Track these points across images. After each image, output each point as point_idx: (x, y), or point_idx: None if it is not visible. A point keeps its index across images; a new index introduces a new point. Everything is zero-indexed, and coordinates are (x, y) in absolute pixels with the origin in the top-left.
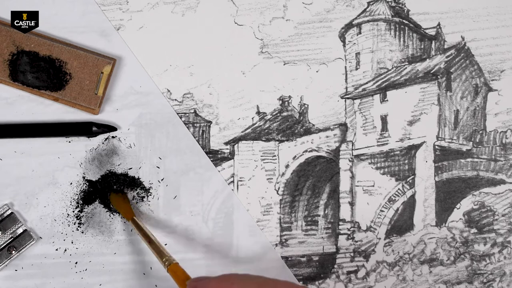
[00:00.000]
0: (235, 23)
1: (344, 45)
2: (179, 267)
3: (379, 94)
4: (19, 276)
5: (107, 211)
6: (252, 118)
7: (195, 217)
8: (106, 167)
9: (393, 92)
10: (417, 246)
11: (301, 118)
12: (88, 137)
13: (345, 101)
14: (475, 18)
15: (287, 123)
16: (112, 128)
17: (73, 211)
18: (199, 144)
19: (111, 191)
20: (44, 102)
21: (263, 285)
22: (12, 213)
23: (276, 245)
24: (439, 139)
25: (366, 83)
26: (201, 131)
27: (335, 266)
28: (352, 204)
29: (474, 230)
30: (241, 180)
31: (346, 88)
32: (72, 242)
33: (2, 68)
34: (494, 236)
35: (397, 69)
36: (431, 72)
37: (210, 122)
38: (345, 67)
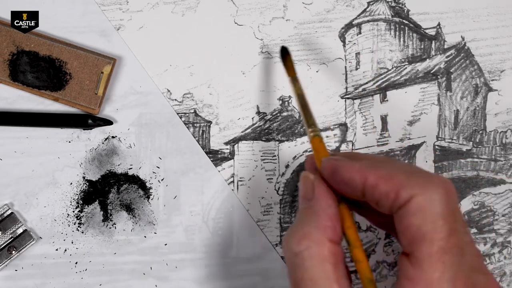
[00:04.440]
0: (235, 23)
1: (344, 45)
2: (322, 143)
3: (379, 94)
4: (19, 276)
5: (103, 213)
6: (252, 118)
7: (195, 217)
8: (106, 167)
9: (393, 92)
10: None
11: (301, 118)
12: (84, 129)
13: (345, 101)
14: (475, 18)
15: (287, 123)
16: (108, 122)
17: (73, 211)
18: (199, 144)
19: (285, 49)
20: (44, 102)
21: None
22: (12, 213)
23: (276, 245)
24: (439, 139)
25: (366, 83)
26: (201, 131)
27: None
28: None
29: (474, 230)
30: (241, 180)
31: (346, 88)
32: (72, 242)
33: (2, 68)
34: (494, 236)
35: (397, 69)
36: (431, 72)
37: (210, 122)
38: (345, 67)
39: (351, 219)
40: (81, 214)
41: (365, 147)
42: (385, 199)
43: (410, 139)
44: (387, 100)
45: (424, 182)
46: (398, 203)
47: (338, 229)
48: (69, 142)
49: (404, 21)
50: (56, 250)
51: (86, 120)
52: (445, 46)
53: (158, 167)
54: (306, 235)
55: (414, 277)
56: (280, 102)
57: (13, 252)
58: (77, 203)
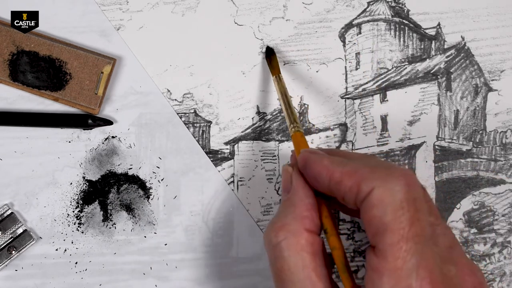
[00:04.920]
0: (235, 23)
1: (344, 45)
2: (303, 138)
3: (379, 94)
4: (19, 276)
5: (103, 213)
6: (252, 118)
7: (195, 217)
8: (106, 167)
9: (393, 92)
10: None
11: (301, 118)
12: (84, 129)
13: (345, 101)
14: (475, 18)
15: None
16: (108, 122)
17: (73, 211)
18: (199, 144)
19: (270, 50)
20: (44, 102)
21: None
22: (12, 213)
23: None
24: (439, 139)
25: (366, 83)
26: (201, 131)
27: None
28: None
29: (474, 230)
30: (241, 180)
31: (346, 88)
32: (72, 242)
33: (2, 68)
34: (494, 236)
35: (397, 69)
36: (431, 72)
37: (210, 122)
38: (345, 67)
39: (328, 209)
40: (81, 214)
41: (365, 147)
42: (348, 193)
43: (410, 139)
44: (387, 100)
45: (385, 174)
46: (361, 197)
47: (315, 219)
48: (69, 142)
49: (404, 21)
50: (56, 250)
51: (86, 120)
52: (445, 46)
53: (158, 167)
54: (283, 226)
55: (379, 268)
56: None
57: (13, 252)
58: (77, 203)
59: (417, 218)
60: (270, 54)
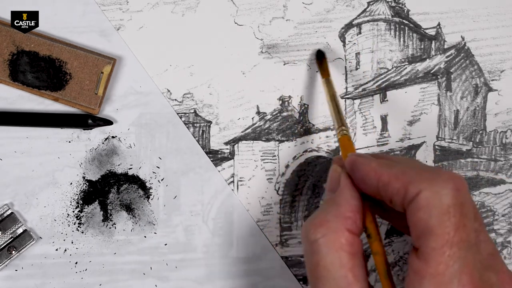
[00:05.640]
0: (235, 23)
1: (344, 45)
2: (350, 142)
3: (379, 94)
4: (19, 276)
5: (103, 213)
6: (252, 118)
7: (195, 217)
8: (106, 167)
9: (393, 92)
10: None
11: (301, 118)
12: (84, 129)
13: (345, 101)
14: (475, 18)
15: (287, 123)
16: (108, 122)
17: (73, 211)
18: (199, 144)
19: (322, 53)
20: (44, 102)
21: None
22: (12, 213)
23: (276, 245)
24: (439, 139)
25: (366, 83)
26: (201, 131)
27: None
28: None
29: None
30: (241, 180)
31: (346, 88)
32: (72, 242)
33: (2, 68)
34: (494, 236)
35: (397, 69)
36: (431, 72)
37: (210, 122)
38: (345, 67)
39: (372, 214)
40: (81, 214)
41: (365, 147)
42: (396, 195)
43: (410, 139)
44: (387, 100)
45: (432, 177)
46: (408, 199)
47: (358, 222)
48: (69, 142)
49: (404, 21)
50: (56, 250)
51: (86, 120)
52: (445, 46)
53: (158, 167)
54: (323, 223)
55: (420, 271)
56: (280, 102)
57: (13, 252)
58: (77, 203)
59: (463, 224)
60: (321, 57)
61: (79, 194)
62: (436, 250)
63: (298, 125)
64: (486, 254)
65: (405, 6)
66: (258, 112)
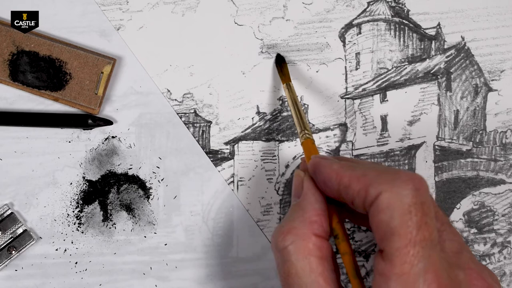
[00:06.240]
0: (235, 23)
1: (344, 45)
2: (313, 145)
3: (379, 94)
4: (19, 276)
5: (103, 213)
6: (252, 118)
7: (195, 217)
8: (106, 167)
9: (393, 92)
10: None
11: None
12: (84, 129)
13: (345, 101)
14: (475, 18)
15: (287, 123)
16: (108, 122)
17: (73, 211)
18: (199, 144)
19: (281, 58)
20: (44, 102)
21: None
22: (12, 213)
23: None
24: (439, 139)
25: (366, 83)
26: (201, 131)
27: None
28: None
29: (474, 230)
30: (241, 180)
31: (346, 88)
32: (72, 242)
33: (2, 68)
34: (494, 236)
35: (397, 69)
36: (431, 72)
37: (210, 122)
38: (345, 67)
39: (338, 215)
40: (81, 214)
41: (365, 147)
42: (357, 197)
43: (410, 139)
44: (387, 100)
45: (392, 178)
46: (369, 201)
47: (325, 225)
48: (69, 142)
49: (404, 21)
50: (56, 250)
51: (86, 120)
52: (445, 46)
53: (158, 167)
54: (291, 230)
55: (386, 272)
56: (280, 102)
57: (13, 252)
58: (77, 203)
59: (424, 222)
60: (281, 62)
61: (79, 194)
62: (400, 250)
63: None
64: (451, 252)
65: (405, 6)
66: (258, 112)
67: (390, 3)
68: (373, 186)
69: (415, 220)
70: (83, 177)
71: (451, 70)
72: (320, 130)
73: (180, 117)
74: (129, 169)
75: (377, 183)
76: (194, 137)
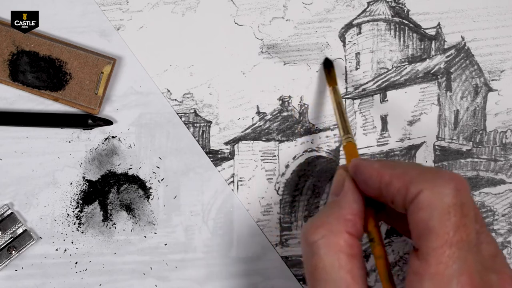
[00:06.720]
0: (235, 23)
1: (344, 45)
2: (355, 149)
3: (379, 94)
4: (19, 276)
5: (103, 213)
6: (252, 118)
7: (195, 217)
8: (106, 167)
9: (393, 92)
10: None
11: (301, 118)
12: (84, 129)
13: (345, 101)
14: (475, 18)
15: (287, 123)
16: (108, 122)
17: (73, 211)
18: (199, 144)
19: (330, 62)
20: (44, 102)
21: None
22: (12, 213)
23: (276, 245)
24: (439, 139)
25: (366, 83)
26: (201, 131)
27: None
28: None
29: None
30: (241, 180)
31: (346, 88)
32: (72, 242)
33: (2, 68)
34: (494, 236)
35: (397, 69)
36: (431, 72)
37: (210, 122)
38: (345, 67)
39: (375, 219)
40: (81, 214)
41: (365, 147)
42: (397, 195)
43: (410, 139)
44: (387, 100)
45: (434, 177)
46: (409, 199)
47: (359, 225)
48: (69, 142)
49: (404, 21)
50: (56, 250)
51: (86, 120)
52: (445, 46)
53: (158, 167)
54: (323, 224)
55: (420, 271)
56: (280, 102)
57: (13, 252)
58: (77, 203)
59: (463, 224)
60: (329, 66)
61: (79, 194)
62: (436, 250)
63: (298, 125)
64: (487, 255)
65: (405, 6)
66: (258, 112)
67: (390, 3)
68: (414, 184)
69: (454, 220)
70: (83, 177)
71: (451, 70)
72: (320, 130)
73: (180, 117)
74: (129, 169)
75: (418, 181)
76: (194, 137)
